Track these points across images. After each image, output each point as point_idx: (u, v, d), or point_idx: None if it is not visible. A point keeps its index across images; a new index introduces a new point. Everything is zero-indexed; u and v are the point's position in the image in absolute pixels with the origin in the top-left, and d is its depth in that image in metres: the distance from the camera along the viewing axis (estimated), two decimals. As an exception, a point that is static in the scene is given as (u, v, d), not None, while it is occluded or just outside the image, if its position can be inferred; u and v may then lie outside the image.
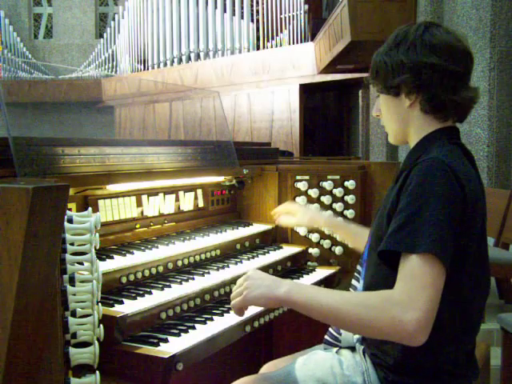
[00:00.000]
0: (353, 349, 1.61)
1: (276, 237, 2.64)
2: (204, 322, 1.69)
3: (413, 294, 1.24)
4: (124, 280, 1.75)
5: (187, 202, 2.40)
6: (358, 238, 1.94)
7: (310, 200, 2.60)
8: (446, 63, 1.42)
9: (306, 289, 1.40)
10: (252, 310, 1.83)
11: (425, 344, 1.31)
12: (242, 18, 12.85)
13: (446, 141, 1.45)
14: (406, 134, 1.54)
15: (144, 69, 15.46)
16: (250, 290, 1.41)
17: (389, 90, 1.51)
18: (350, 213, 2.55)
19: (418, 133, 1.50)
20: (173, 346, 1.50)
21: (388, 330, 1.24)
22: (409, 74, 1.44)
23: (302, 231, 2.60)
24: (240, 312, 1.45)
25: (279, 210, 2.27)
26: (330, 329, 1.68)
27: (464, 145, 1.50)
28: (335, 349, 1.67)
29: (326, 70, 10.32)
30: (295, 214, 2.16)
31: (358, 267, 1.63)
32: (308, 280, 2.26)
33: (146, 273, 1.84)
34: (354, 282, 1.65)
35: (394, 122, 1.55)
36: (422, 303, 1.23)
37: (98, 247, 1.41)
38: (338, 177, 2.59)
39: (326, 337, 1.68)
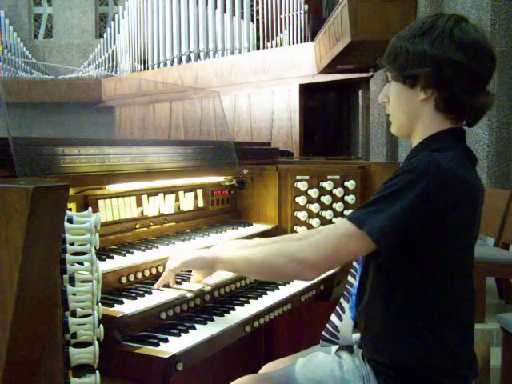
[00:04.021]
0: (351, 349, 1.61)
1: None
2: (204, 322, 1.69)
3: (317, 244, 1.37)
4: (124, 280, 1.75)
5: (187, 202, 2.40)
6: None
7: (310, 200, 2.60)
8: (471, 63, 1.35)
9: (230, 248, 1.68)
10: (252, 310, 1.84)
11: (420, 344, 1.36)
12: (242, 18, 12.85)
13: (450, 143, 1.41)
14: (412, 128, 1.48)
15: (144, 69, 15.46)
16: (186, 255, 1.72)
17: (405, 79, 1.43)
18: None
19: (424, 129, 1.45)
20: (173, 346, 1.50)
21: (281, 263, 1.41)
22: (430, 67, 1.37)
23: (302, 231, 2.60)
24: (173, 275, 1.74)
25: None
26: (328, 325, 1.68)
27: (468, 147, 1.46)
28: (334, 348, 1.67)
29: (326, 70, 10.33)
30: None
31: (354, 263, 1.63)
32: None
33: (146, 273, 1.84)
34: (349, 278, 1.66)
35: (402, 113, 1.48)
36: (320, 253, 1.35)
37: (97, 247, 1.41)
38: (337, 177, 2.59)
39: (324, 333, 1.68)
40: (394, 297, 1.41)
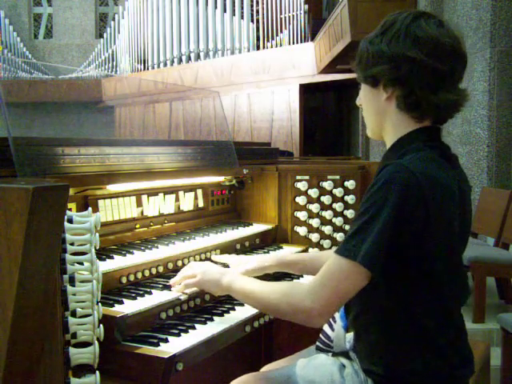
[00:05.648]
0: (347, 355, 1.60)
1: (276, 237, 2.64)
2: (204, 322, 1.69)
3: (317, 290, 1.34)
4: (124, 280, 1.75)
5: (187, 202, 2.40)
6: (316, 263, 1.84)
7: (310, 200, 2.60)
8: (427, 59, 1.34)
9: (244, 280, 1.60)
10: (252, 310, 1.84)
11: (413, 353, 1.36)
12: (242, 18, 12.85)
13: (421, 144, 1.38)
14: (382, 129, 1.47)
15: (144, 69, 15.46)
16: (204, 275, 1.70)
17: (367, 79, 1.44)
18: (350, 213, 2.55)
19: (393, 131, 1.44)
20: (173, 346, 1.50)
21: (288, 312, 1.40)
22: (387, 64, 1.37)
23: (302, 231, 2.60)
24: (185, 288, 1.73)
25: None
26: (321, 335, 1.67)
27: (443, 146, 1.43)
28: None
29: (326, 70, 10.33)
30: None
31: None
32: (308, 279, 2.26)
33: (146, 273, 1.84)
34: None
35: (371, 113, 1.48)
36: (324, 299, 1.33)
37: (97, 247, 1.41)
38: (338, 177, 2.59)
39: (318, 343, 1.68)
40: (384, 306, 1.39)
